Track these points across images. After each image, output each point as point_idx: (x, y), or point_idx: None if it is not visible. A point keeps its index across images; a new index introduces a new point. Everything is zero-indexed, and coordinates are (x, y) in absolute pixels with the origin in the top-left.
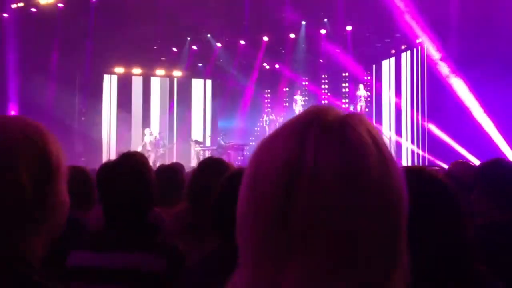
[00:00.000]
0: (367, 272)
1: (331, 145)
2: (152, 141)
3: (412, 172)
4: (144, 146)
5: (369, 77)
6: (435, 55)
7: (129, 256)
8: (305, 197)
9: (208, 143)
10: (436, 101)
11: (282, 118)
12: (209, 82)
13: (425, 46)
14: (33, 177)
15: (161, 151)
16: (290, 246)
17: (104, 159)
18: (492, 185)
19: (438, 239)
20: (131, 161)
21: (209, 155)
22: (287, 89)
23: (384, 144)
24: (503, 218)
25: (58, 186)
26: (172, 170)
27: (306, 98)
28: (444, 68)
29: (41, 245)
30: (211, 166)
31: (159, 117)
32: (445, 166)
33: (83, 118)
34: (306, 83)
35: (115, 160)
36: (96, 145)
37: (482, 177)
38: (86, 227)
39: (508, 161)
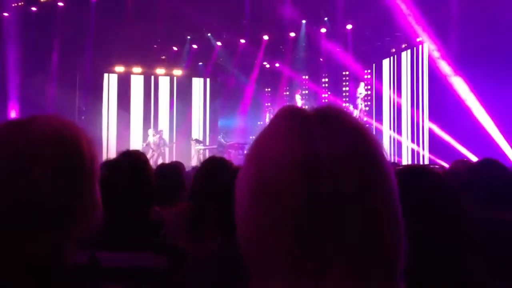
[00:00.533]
0: (390, 256)
1: (337, 135)
2: (156, 141)
3: (414, 170)
4: (148, 145)
5: (369, 76)
6: (435, 54)
7: (129, 255)
8: (331, 192)
9: (208, 142)
10: (436, 100)
11: None
12: (209, 81)
13: (426, 44)
14: (62, 177)
15: (161, 149)
16: (326, 249)
17: (104, 158)
18: (485, 183)
19: (438, 236)
20: (131, 159)
21: (210, 154)
22: (288, 88)
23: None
24: (497, 216)
25: (91, 188)
26: (173, 169)
27: (307, 96)
28: (444, 67)
29: (71, 247)
30: (214, 166)
31: (159, 116)
32: (445, 165)
33: (83, 117)
34: (307, 81)
35: (115, 158)
36: (97, 144)
37: (477, 175)
38: None
39: (499, 162)
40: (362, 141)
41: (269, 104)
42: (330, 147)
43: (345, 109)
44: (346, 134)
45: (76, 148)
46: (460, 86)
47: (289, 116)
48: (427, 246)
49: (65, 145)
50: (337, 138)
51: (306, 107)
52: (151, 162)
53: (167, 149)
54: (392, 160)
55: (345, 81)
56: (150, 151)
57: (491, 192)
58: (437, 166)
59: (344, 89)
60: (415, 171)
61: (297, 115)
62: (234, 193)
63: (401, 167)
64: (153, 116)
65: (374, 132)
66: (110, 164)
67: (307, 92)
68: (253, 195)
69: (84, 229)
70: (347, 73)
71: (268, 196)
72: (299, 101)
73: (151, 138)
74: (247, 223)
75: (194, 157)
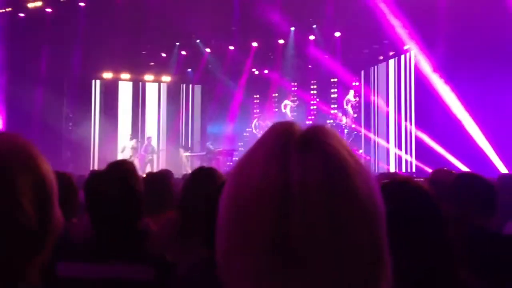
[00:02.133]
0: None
1: (314, 165)
2: (134, 146)
3: (397, 183)
4: (123, 150)
5: (357, 83)
6: (426, 65)
7: (117, 266)
8: (300, 219)
9: (197, 148)
10: (423, 107)
11: (270, 124)
12: (198, 87)
13: (413, 52)
14: (32, 200)
15: (149, 156)
16: (288, 268)
17: (92, 165)
18: (462, 195)
19: (423, 249)
20: (120, 171)
21: (198, 161)
22: (276, 94)
23: (354, 152)
24: (485, 225)
25: (55, 205)
26: (160, 178)
27: (296, 103)
28: (430, 73)
29: (41, 262)
30: (203, 176)
31: (147, 122)
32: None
33: (70, 124)
34: (295, 88)
35: (103, 170)
36: (84, 151)
37: (456, 188)
38: (69, 235)
39: (478, 176)
40: (342, 175)
41: (257, 110)
42: (306, 177)
43: (333, 134)
44: (326, 165)
45: (37, 172)
46: (446, 93)
47: (272, 137)
48: (413, 260)
49: (26, 170)
50: (315, 169)
51: (292, 115)
52: (140, 171)
53: (155, 156)
54: (376, 170)
55: (334, 88)
56: (129, 157)
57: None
58: (421, 179)
59: (332, 96)
60: (399, 185)
61: (281, 138)
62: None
63: (387, 181)
64: (141, 123)
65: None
66: (98, 176)
67: (295, 99)
68: (228, 215)
69: (51, 244)
70: (335, 80)
71: (241, 217)
72: (288, 107)
73: (128, 143)
74: (221, 241)
75: (183, 164)
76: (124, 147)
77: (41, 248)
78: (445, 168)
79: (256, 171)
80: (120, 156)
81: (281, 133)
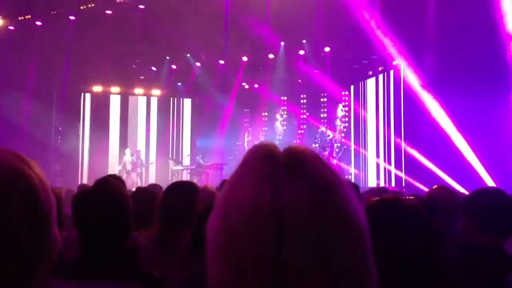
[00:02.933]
0: None
1: (304, 189)
2: (133, 160)
3: (387, 201)
4: (124, 165)
5: (347, 98)
6: (414, 80)
7: (105, 285)
8: (294, 241)
9: (187, 162)
10: (412, 122)
11: (262, 138)
12: (188, 101)
13: (402, 67)
14: (26, 221)
15: (138, 170)
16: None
17: (81, 178)
18: (481, 211)
19: (413, 266)
20: (107, 189)
21: (188, 175)
22: (266, 108)
23: (335, 170)
24: (491, 244)
25: (52, 225)
26: (149, 193)
27: (285, 117)
28: (418, 88)
29: (41, 283)
30: (178, 190)
31: (137, 136)
32: (421, 187)
33: (59, 137)
34: (285, 102)
35: (90, 188)
36: (73, 164)
37: (472, 203)
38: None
39: (495, 190)
40: (327, 196)
41: (247, 124)
42: (297, 201)
43: (315, 156)
44: (313, 188)
45: (30, 192)
46: (435, 107)
47: (259, 162)
48: (402, 276)
49: (18, 189)
50: (304, 193)
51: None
52: (130, 182)
53: (144, 169)
54: (366, 184)
55: (323, 102)
56: (126, 171)
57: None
58: (411, 197)
59: (322, 110)
60: (389, 204)
61: (268, 163)
62: (206, 220)
63: (376, 199)
64: (131, 136)
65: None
66: (85, 194)
67: (285, 113)
68: (220, 241)
69: (49, 264)
70: (325, 94)
71: (234, 244)
72: (279, 124)
73: (128, 157)
74: (213, 267)
75: (172, 178)
76: (125, 162)
77: (35, 269)
78: (443, 186)
79: (247, 197)
80: (118, 170)
81: (267, 156)
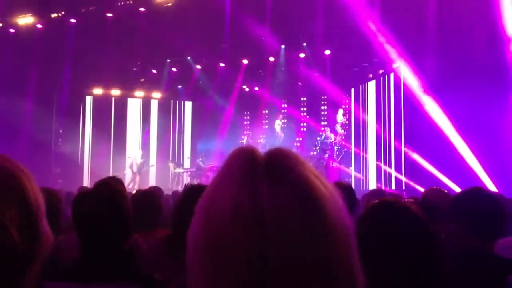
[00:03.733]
0: None
1: (284, 191)
2: (140, 162)
3: (386, 204)
4: (131, 168)
5: (347, 101)
6: (415, 83)
7: (105, 286)
8: (276, 245)
9: (187, 165)
10: (412, 125)
11: (263, 140)
12: (188, 104)
13: (402, 70)
14: (16, 220)
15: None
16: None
17: (82, 180)
18: (469, 213)
19: (411, 269)
20: (106, 191)
21: (188, 177)
22: (267, 111)
23: (319, 173)
24: (480, 246)
25: (41, 223)
26: (149, 195)
27: (286, 120)
28: (418, 91)
29: (30, 283)
30: (195, 194)
31: (138, 138)
32: (422, 189)
33: (60, 140)
34: (285, 105)
35: (90, 190)
36: (74, 167)
37: (460, 206)
38: (56, 253)
39: (485, 190)
40: (312, 202)
41: (248, 127)
42: (277, 203)
43: (296, 157)
44: (294, 190)
45: (19, 192)
46: (435, 111)
47: (239, 166)
48: (402, 279)
49: (8, 191)
50: (284, 195)
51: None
52: (135, 185)
53: (145, 172)
54: (366, 187)
55: (324, 105)
56: (133, 173)
57: (472, 223)
58: (411, 199)
59: (322, 113)
60: (388, 206)
61: (248, 166)
62: None
63: (376, 202)
64: (132, 139)
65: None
66: (85, 195)
67: (286, 116)
68: (201, 247)
69: (40, 262)
70: (325, 97)
71: (214, 248)
72: (278, 125)
73: (138, 160)
74: (194, 273)
75: (173, 180)
76: (132, 163)
77: (27, 268)
78: (436, 187)
79: (227, 202)
80: (128, 171)
81: (247, 161)
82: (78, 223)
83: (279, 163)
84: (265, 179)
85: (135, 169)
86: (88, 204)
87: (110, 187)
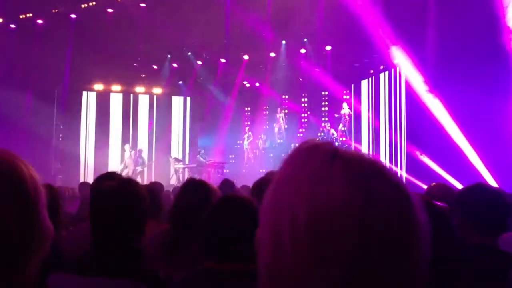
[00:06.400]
0: None
1: (390, 193)
2: (132, 156)
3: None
4: (124, 163)
5: (348, 97)
6: (416, 79)
7: (110, 282)
8: (381, 236)
9: (187, 160)
10: (413, 121)
11: (264, 136)
12: (189, 99)
13: (402, 66)
14: (13, 211)
15: (139, 168)
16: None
17: (82, 176)
18: (472, 208)
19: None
20: (130, 191)
21: (189, 173)
22: (267, 107)
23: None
24: (483, 242)
25: (41, 215)
26: (149, 190)
27: (286, 116)
28: (421, 87)
29: (30, 273)
30: (194, 188)
31: (138, 134)
32: (423, 186)
33: (60, 135)
34: (286, 101)
35: (113, 187)
36: (74, 162)
37: (463, 201)
38: (58, 248)
39: (488, 186)
40: (392, 189)
41: (248, 123)
42: (383, 199)
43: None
44: (393, 187)
45: (18, 183)
46: (436, 106)
47: (326, 159)
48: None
49: (6, 183)
50: (389, 191)
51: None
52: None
53: (145, 168)
54: None
55: (324, 101)
56: (125, 167)
57: (476, 218)
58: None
59: (323, 109)
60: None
61: (328, 156)
62: (222, 217)
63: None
64: (132, 135)
65: None
66: (106, 192)
67: (287, 111)
68: (301, 239)
69: (41, 255)
70: (326, 93)
71: (321, 240)
72: (280, 120)
73: (127, 153)
74: (287, 262)
75: (173, 176)
76: (125, 162)
77: (26, 259)
78: (441, 182)
79: (337, 198)
80: (120, 169)
81: (327, 152)
82: (96, 217)
83: (354, 156)
84: (372, 177)
85: (129, 164)
86: (112, 201)
87: (133, 187)
